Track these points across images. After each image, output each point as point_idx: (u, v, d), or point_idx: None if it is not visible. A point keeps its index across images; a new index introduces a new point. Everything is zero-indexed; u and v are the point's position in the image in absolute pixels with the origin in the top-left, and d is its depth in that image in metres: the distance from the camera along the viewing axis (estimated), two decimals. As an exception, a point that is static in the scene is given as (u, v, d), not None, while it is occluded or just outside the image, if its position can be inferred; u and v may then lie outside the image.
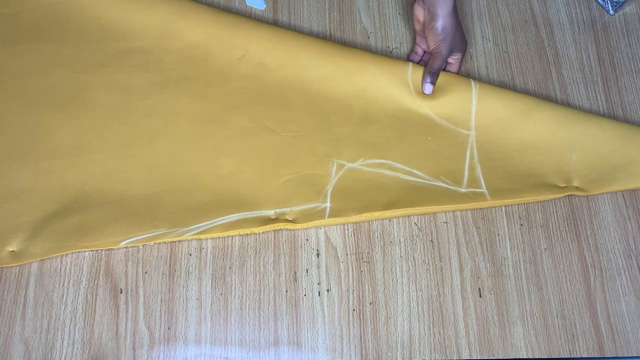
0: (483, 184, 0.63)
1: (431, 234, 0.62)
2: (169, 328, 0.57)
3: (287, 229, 0.61)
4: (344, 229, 0.62)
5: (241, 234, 0.60)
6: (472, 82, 0.67)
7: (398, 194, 0.62)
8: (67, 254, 0.59)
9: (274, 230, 0.61)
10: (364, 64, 0.68)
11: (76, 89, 0.66)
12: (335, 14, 0.73)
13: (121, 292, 0.58)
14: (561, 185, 0.64)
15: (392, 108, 0.67)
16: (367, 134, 0.65)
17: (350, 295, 0.59)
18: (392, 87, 0.67)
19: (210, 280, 0.59)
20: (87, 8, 0.70)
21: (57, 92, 0.65)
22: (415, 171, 0.64)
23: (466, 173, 0.64)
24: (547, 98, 0.69)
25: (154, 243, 0.59)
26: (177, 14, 0.69)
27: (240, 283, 0.59)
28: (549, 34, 0.73)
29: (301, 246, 0.61)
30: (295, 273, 0.60)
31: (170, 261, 0.59)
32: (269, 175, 0.63)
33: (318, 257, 0.60)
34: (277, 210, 0.61)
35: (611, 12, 0.74)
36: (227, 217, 0.60)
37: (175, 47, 0.69)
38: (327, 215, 0.60)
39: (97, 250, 0.59)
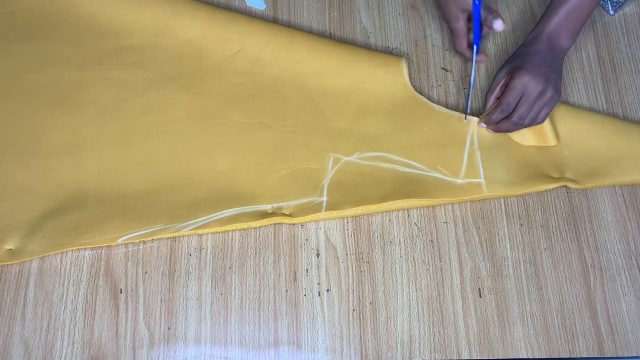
0: (481, 173, 0.63)
1: (431, 234, 0.62)
2: (168, 328, 0.57)
3: (284, 222, 0.61)
4: (343, 229, 0.62)
5: (238, 228, 0.60)
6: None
7: (394, 186, 0.62)
8: (67, 254, 0.59)
9: (274, 231, 0.61)
10: (360, 57, 0.68)
11: (71, 86, 0.66)
12: (335, 14, 0.73)
13: (121, 292, 0.58)
14: (555, 176, 0.64)
15: (389, 99, 0.67)
16: (363, 127, 0.66)
17: (350, 295, 0.59)
18: (388, 79, 0.67)
19: (210, 280, 0.59)
20: (82, 6, 0.70)
21: (52, 90, 0.65)
22: (412, 162, 0.64)
23: (465, 161, 0.64)
24: (547, 98, 0.69)
25: (152, 239, 0.59)
26: (172, 11, 0.69)
27: (240, 283, 0.59)
28: (549, 34, 0.73)
29: (301, 246, 0.61)
30: (295, 273, 0.59)
31: (170, 261, 0.59)
32: (266, 170, 0.63)
33: (318, 257, 0.60)
34: (274, 205, 0.61)
35: (611, 12, 0.74)
36: (224, 212, 0.60)
37: (170, 44, 0.69)
38: (323, 209, 0.61)
39: (97, 250, 0.59)
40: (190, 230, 0.59)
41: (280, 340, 0.57)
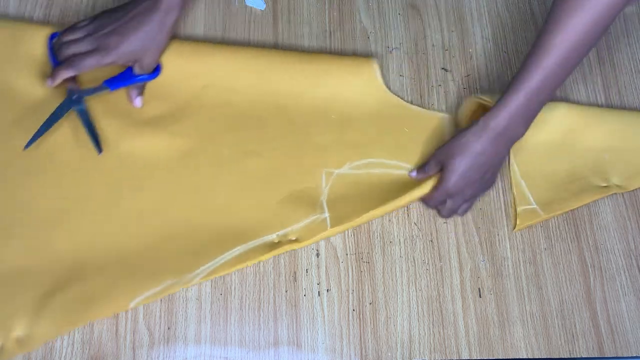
0: (532, 200, 0.62)
1: (431, 234, 0.62)
2: (168, 328, 0.57)
3: (293, 249, 0.59)
4: (343, 229, 0.62)
5: (249, 265, 0.58)
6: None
7: (390, 188, 0.62)
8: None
9: (274, 230, 0.61)
10: (331, 66, 0.66)
11: (43, 151, 0.59)
12: (335, 14, 0.73)
13: (121, 292, 0.58)
14: (603, 185, 0.64)
15: (366, 104, 0.66)
16: (348, 136, 0.65)
17: (350, 295, 0.59)
18: (362, 83, 0.66)
19: (210, 280, 0.59)
20: None
21: (27, 157, 0.58)
22: (402, 163, 0.64)
23: (513, 191, 0.63)
24: (547, 98, 0.69)
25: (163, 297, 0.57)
26: None
27: (240, 283, 0.59)
28: (548, 34, 0.73)
29: (301, 246, 0.61)
30: (295, 273, 0.59)
31: (170, 261, 0.59)
32: (262, 199, 0.60)
33: (318, 257, 0.60)
34: (279, 233, 0.59)
35: (611, 12, 0.74)
36: (231, 251, 0.58)
37: None
38: (329, 226, 0.59)
39: (97, 251, 0.59)
40: (202, 277, 0.57)
41: (280, 340, 0.57)
